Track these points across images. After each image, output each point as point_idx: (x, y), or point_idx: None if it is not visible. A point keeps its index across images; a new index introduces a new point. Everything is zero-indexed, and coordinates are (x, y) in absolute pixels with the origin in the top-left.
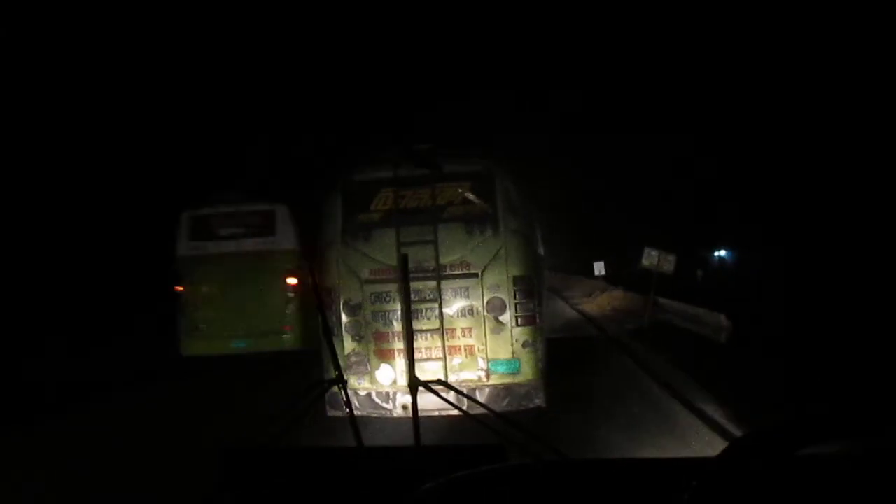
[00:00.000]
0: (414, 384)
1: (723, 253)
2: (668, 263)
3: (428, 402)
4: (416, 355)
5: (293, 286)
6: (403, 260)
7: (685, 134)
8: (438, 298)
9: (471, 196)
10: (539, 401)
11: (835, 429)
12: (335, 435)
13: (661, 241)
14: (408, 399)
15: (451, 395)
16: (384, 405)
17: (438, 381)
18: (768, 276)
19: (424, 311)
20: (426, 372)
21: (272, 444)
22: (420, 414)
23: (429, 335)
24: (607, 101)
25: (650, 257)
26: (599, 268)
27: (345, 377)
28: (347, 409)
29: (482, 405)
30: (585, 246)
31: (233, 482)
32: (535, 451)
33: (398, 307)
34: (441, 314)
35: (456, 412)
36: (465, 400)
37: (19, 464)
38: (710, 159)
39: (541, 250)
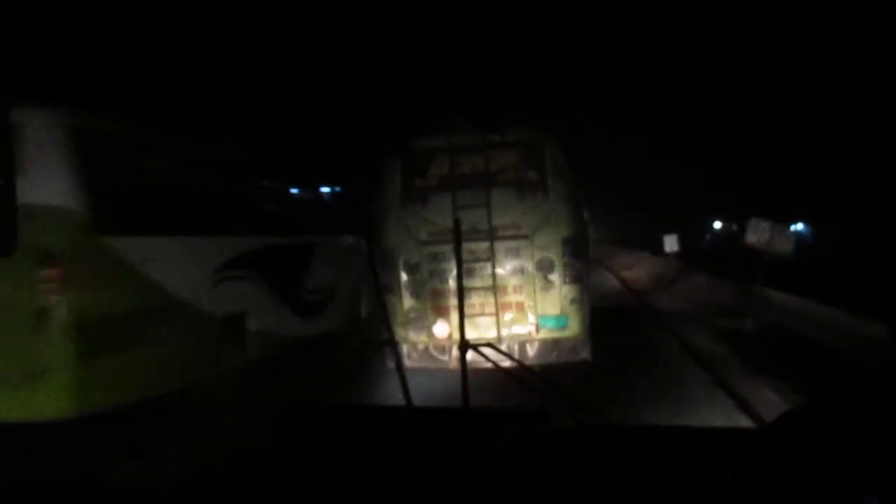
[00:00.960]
0: (464, 346)
1: (799, 227)
2: (785, 241)
3: (481, 357)
4: (470, 311)
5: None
6: (456, 224)
7: (751, 110)
8: (491, 258)
9: (522, 163)
10: (585, 354)
11: (876, 403)
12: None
13: (731, 211)
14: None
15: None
16: (441, 357)
17: (488, 343)
18: (860, 256)
19: (478, 269)
20: (479, 327)
21: (325, 402)
22: (473, 367)
23: (482, 292)
24: (674, 75)
25: (758, 231)
26: (671, 242)
27: (403, 332)
28: (398, 370)
29: (527, 368)
30: (653, 216)
31: (286, 439)
32: (580, 416)
33: (454, 266)
34: (494, 273)
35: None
36: (513, 357)
37: None
38: (778, 136)
39: (585, 215)
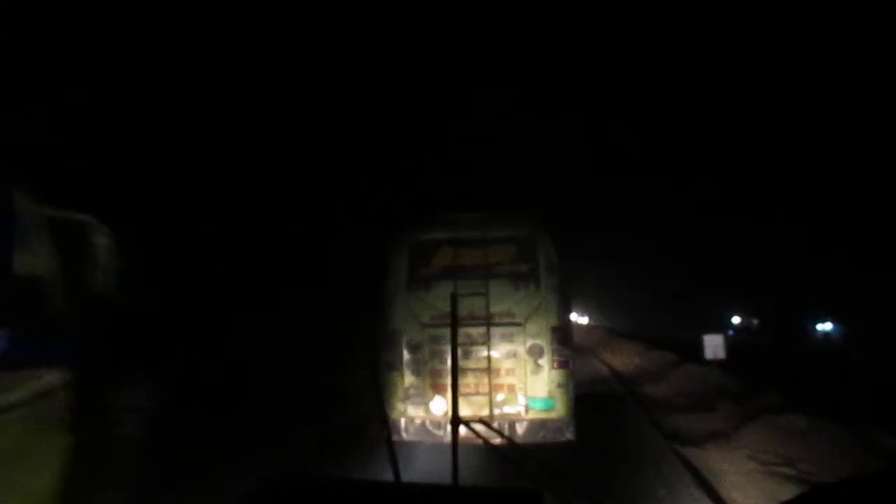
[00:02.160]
0: (456, 422)
1: (828, 327)
2: None
3: (473, 433)
4: (465, 390)
5: None
6: (453, 301)
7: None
8: (487, 342)
9: (517, 255)
10: (570, 434)
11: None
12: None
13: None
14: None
15: (489, 433)
16: (436, 432)
17: (480, 420)
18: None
19: (474, 352)
20: (473, 405)
21: (312, 477)
22: (467, 443)
23: (477, 373)
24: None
25: None
26: (714, 345)
27: (403, 407)
28: (388, 446)
29: (519, 448)
30: (665, 308)
31: None
32: (570, 497)
33: (450, 348)
34: (489, 356)
35: (497, 442)
36: (504, 434)
37: None
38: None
39: (570, 305)
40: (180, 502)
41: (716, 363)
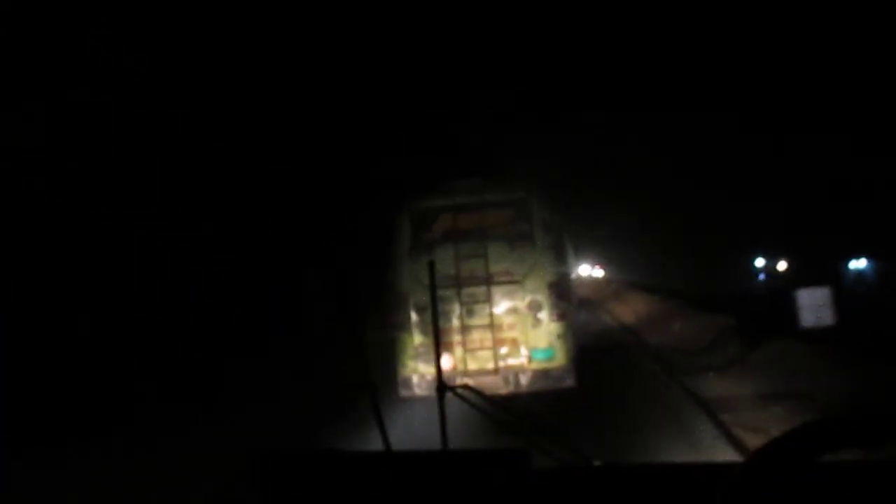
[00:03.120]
0: (441, 388)
1: (862, 264)
2: None
3: (481, 384)
4: (471, 346)
5: None
6: (430, 267)
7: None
8: (489, 300)
9: (513, 218)
10: (570, 381)
11: (858, 435)
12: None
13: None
14: (467, 381)
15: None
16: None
17: (465, 385)
18: None
19: (477, 310)
20: (479, 359)
21: (302, 447)
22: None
23: (481, 329)
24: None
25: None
26: (816, 305)
27: (413, 365)
28: (375, 415)
29: (509, 409)
30: (682, 250)
31: (262, 485)
32: (561, 456)
33: (456, 308)
34: (491, 313)
35: (503, 392)
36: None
37: None
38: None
39: (570, 260)
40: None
41: (818, 330)
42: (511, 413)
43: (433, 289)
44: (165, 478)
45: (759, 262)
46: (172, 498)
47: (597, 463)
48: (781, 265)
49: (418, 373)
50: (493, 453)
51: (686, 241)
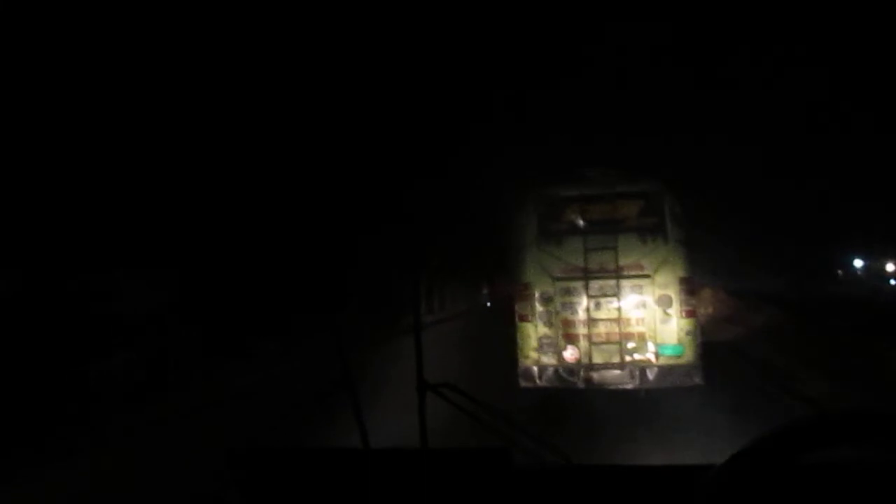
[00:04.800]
0: (421, 387)
1: None
2: None
3: (603, 378)
4: (596, 339)
5: None
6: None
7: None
8: (617, 293)
9: (644, 211)
10: (698, 379)
11: (836, 436)
12: None
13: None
14: (591, 375)
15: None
16: (570, 378)
17: (446, 384)
18: None
19: (605, 303)
20: (604, 352)
21: (280, 445)
22: (597, 387)
23: (608, 323)
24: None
25: None
26: None
27: (536, 356)
28: (355, 412)
29: (496, 410)
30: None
31: (241, 483)
32: (540, 455)
33: (583, 300)
34: (619, 306)
35: (629, 387)
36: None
37: None
38: None
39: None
40: None
41: None
42: (492, 412)
43: (417, 299)
44: (144, 475)
45: (858, 263)
46: (152, 496)
47: (576, 462)
48: (890, 266)
49: (541, 364)
50: (473, 452)
51: (769, 240)
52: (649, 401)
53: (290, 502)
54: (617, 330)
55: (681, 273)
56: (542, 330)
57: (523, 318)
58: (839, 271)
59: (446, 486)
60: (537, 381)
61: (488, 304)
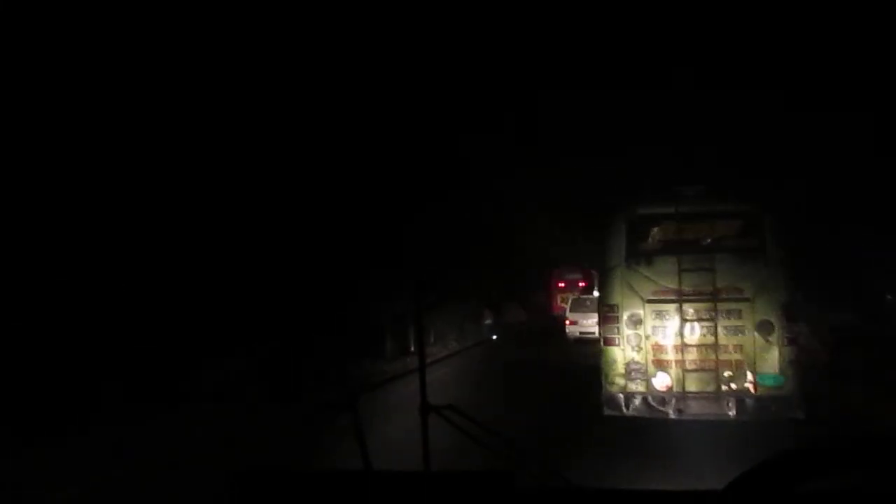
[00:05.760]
0: (425, 409)
1: None
2: None
3: (698, 408)
4: (690, 367)
5: None
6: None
7: None
8: (714, 318)
9: (743, 231)
10: (800, 413)
11: (835, 463)
12: None
13: None
14: (683, 405)
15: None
16: (660, 408)
17: (449, 406)
18: None
19: (699, 328)
20: (699, 381)
21: (280, 466)
22: (691, 418)
23: (702, 349)
24: None
25: None
26: None
27: (623, 382)
28: (357, 433)
29: (498, 433)
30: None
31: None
32: (545, 478)
33: (676, 323)
34: (715, 332)
35: (726, 418)
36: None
37: None
38: None
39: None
40: None
41: None
42: (496, 435)
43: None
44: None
45: None
46: None
47: (578, 485)
48: None
49: (628, 391)
50: (476, 475)
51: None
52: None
53: None
54: (713, 357)
55: (782, 298)
56: (631, 355)
57: (609, 342)
58: (888, 296)
59: None
60: (624, 409)
61: (494, 336)
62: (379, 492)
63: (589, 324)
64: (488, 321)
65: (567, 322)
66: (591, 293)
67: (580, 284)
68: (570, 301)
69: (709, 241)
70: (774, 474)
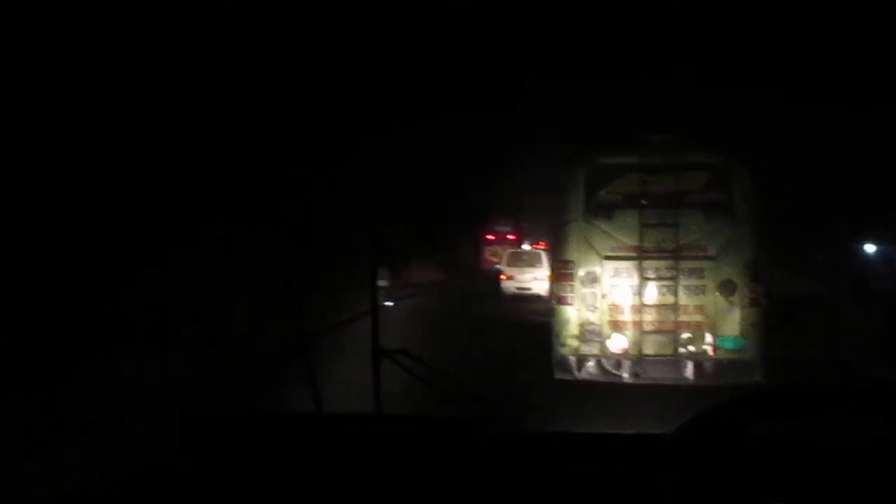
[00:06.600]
0: (376, 353)
1: None
2: None
3: (654, 372)
4: (648, 328)
5: None
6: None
7: None
8: (675, 277)
9: (709, 185)
10: (758, 376)
11: (780, 408)
12: None
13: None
14: (640, 368)
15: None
16: (615, 371)
17: (401, 350)
18: None
19: (659, 287)
20: (656, 343)
21: (233, 408)
22: (648, 382)
23: (662, 310)
24: None
25: None
26: None
27: (576, 344)
28: (309, 378)
29: (452, 379)
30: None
31: (191, 446)
32: (498, 424)
33: (635, 282)
34: (676, 291)
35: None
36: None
37: None
38: None
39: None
40: None
41: None
42: (449, 381)
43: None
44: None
45: (869, 248)
46: (100, 460)
47: (531, 430)
48: None
49: (581, 354)
50: (430, 420)
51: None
52: None
53: (241, 465)
54: (672, 318)
55: (748, 256)
56: (585, 315)
57: (562, 301)
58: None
59: (400, 452)
60: (576, 373)
61: (389, 303)
62: (330, 434)
63: (526, 279)
64: (383, 282)
65: (502, 277)
66: (521, 247)
67: (509, 237)
68: (506, 255)
69: (674, 194)
70: (723, 417)
